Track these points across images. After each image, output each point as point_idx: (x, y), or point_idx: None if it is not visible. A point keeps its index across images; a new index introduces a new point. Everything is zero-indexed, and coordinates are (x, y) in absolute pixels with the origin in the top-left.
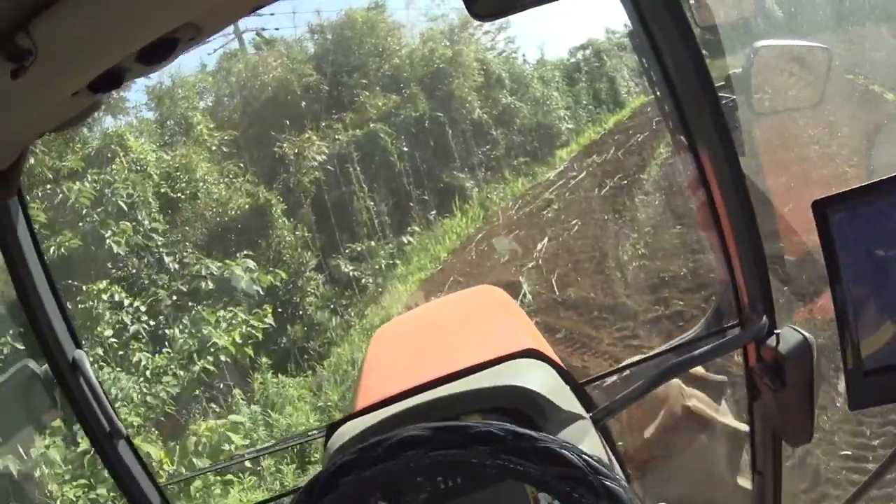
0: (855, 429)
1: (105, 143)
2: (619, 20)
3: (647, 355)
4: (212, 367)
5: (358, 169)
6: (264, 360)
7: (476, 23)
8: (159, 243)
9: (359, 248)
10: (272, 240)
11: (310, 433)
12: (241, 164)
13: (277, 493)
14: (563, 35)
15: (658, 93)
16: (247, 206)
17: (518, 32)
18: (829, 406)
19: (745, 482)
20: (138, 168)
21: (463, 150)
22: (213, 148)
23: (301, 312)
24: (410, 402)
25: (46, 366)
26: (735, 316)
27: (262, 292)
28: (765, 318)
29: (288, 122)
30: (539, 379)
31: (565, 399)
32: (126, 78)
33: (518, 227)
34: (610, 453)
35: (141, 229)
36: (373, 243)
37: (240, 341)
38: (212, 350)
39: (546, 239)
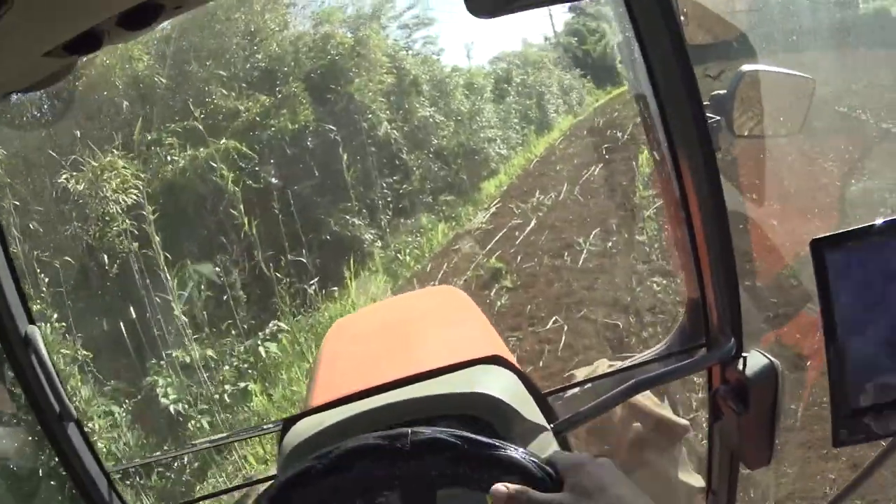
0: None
1: None
2: (549, 31)
3: (612, 370)
4: None
5: (191, 210)
6: None
7: (389, 13)
8: None
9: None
10: None
11: (265, 426)
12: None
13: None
14: (490, 42)
15: (641, 104)
16: None
17: (439, 33)
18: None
19: (686, 477)
20: None
21: (362, 182)
22: None
23: None
24: (369, 403)
25: None
26: (701, 335)
27: None
28: (732, 340)
29: (79, 135)
30: (503, 386)
31: (529, 409)
32: (105, 41)
33: None
34: None
35: None
36: (201, 353)
37: None
38: None
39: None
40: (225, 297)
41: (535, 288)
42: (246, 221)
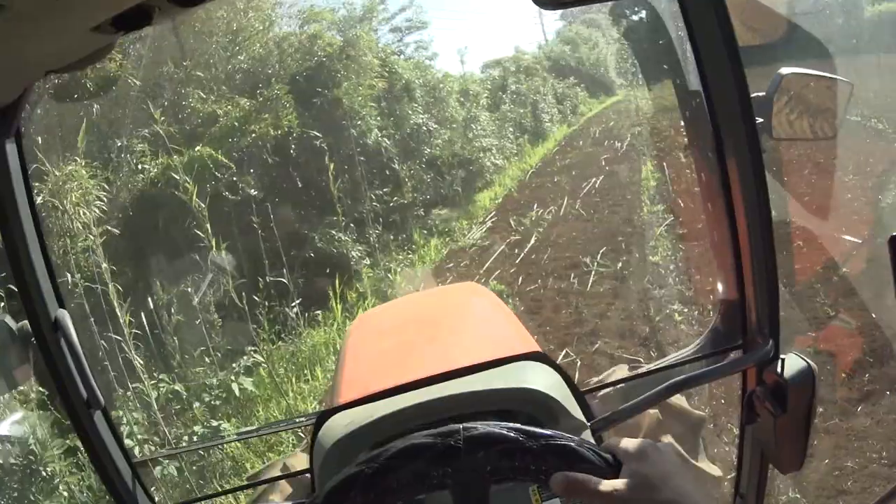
0: None
1: None
2: (542, 38)
3: (646, 370)
4: None
5: (163, 224)
6: None
7: (380, 16)
8: None
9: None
10: None
11: (297, 419)
12: None
13: (250, 482)
14: (483, 47)
15: (684, 100)
16: None
17: (433, 37)
18: None
19: (706, 466)
20: None
21: (349, 194)
22: None
23: None
24: (410, 398)
25: (23, 322)
26: (736, 337)
27: None
28: (771, 341)
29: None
30: (548, 383)
31: (571, 405)
32: (155, 18)
33: None
34: None
35: None
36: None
37: None
38: None
39: None
40: (198, 321)
41: (540, 315)
42: (214, 241)
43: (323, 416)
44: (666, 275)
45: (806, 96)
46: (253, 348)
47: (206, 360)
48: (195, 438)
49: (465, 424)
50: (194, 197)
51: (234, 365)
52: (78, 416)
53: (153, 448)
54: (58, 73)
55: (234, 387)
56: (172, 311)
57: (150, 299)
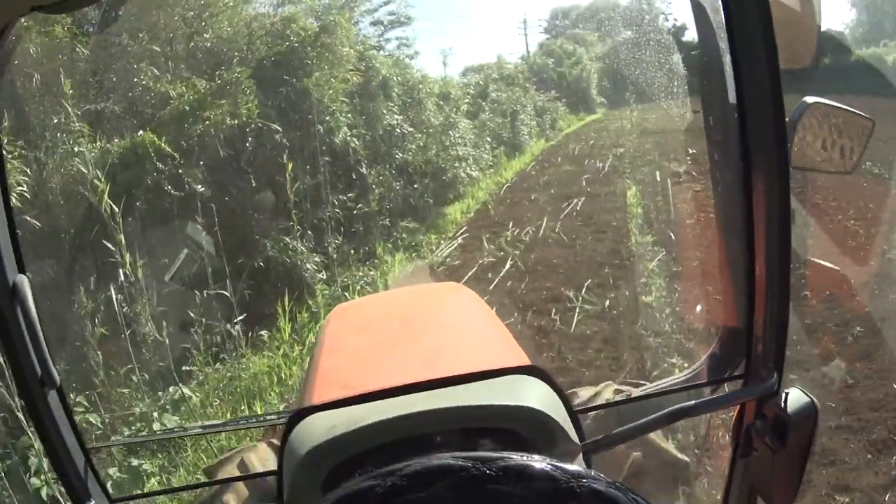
0: None
1: None
2: (525, 48)
3: (642, 393)
4: None
5: (92, 217)
6: None
7: (363, 6)
8: None
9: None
10: None
11: (267, 416)
12: None
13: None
14: (467, 51)
15: (711, 111)
16: None
17: (416, 35)
18: None
19: None
20: None
21: (308, 198)
22: None
23: None
24: (395, 405)
25: None
26: (734, 366)
27: None
28: (775, 374)
29: None
30: (545, 401)
31: (568, 426)
32: None
33: None
34: None
35: None
36: None
37: None
38: None
39: None
40: (122, 336)
41: None
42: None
43: (297, 416)
44: (662, 319)
45: (828, 128)
46: (188, 368)
47: (134, 379)
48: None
49: (503, 454)
50: (106, 196)
51: (160, 393)
52: (31, 394)
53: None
54: (43, 11)
55: (156, 425)
56: (97, 321)
57: (71, 307)
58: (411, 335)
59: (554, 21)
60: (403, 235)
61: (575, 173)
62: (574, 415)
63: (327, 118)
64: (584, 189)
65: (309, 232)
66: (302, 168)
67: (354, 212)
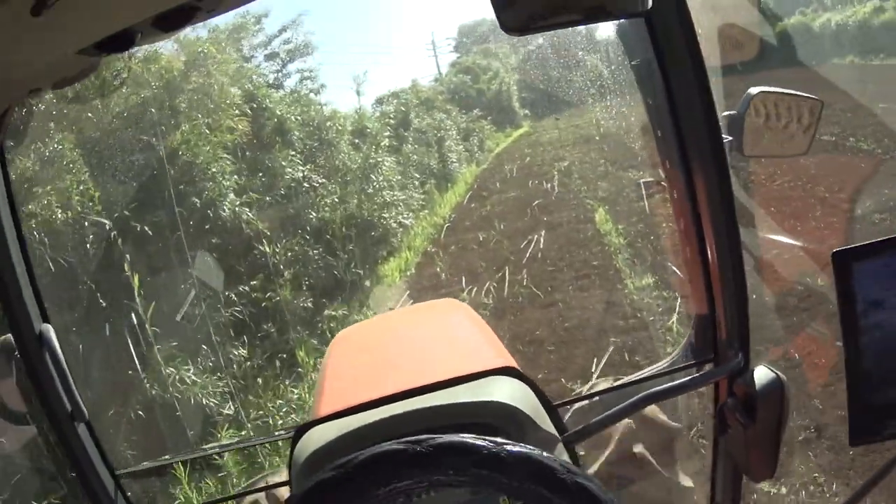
0: None
1: None
2: (437, 69)
3: (620, 383)
4: None
5: None
6: None
7: (253, 38)
8: None
9: None
10: None
11: (277, 433)
12: None
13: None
14: (378, 78)
15: (653, 117)
16: None
17: (319, 63)
18: None
19: (679, 477)
20: None
21: (198, 301)
22: None
23: None
24: (382, 412)
25: (6, 336)
26: (708, 350)
27: None
28: (741, 354)
29: None
30: (517, 396)
31: (541, 418)
32: (137, 42)
33: None
34: None
35: None
36: None
37: None
38: None
39: None
40: None
41: None
42: None
43: (301, 430)
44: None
45: (776, 114)
46: None
47: None
48: None
49: (435, 435)
50: None
51: None
52: (62, 429)
53: None
54: (40, 94)
55: None
56: None
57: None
58: (408, 352)
59: (462, 38)
60: (331, 325)
61: (521, 200)
62: (552, 408)
63: (207, 185)
64: (540, 219)
65: (203, 353)
66: (179, 259)
67: (263, 304)
